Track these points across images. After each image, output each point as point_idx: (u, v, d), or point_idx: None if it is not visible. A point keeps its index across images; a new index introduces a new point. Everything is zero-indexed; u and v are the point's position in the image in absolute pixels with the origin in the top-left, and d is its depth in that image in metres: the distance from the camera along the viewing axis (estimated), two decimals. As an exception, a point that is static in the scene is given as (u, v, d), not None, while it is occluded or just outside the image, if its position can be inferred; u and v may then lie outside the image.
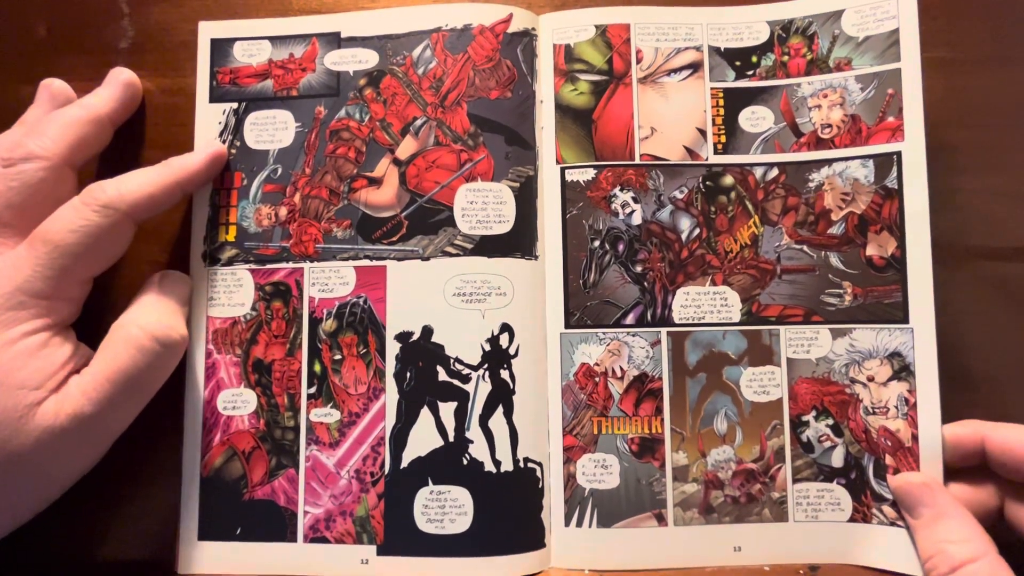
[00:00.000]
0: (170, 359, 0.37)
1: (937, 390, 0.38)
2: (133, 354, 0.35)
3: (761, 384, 0.40)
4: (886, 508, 0.38)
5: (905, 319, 0.39)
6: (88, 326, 0.38)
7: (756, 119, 0.41)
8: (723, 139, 0.42)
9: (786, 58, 0.42)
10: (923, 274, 0.39)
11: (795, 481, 0.39)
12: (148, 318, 0.36)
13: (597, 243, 0.41)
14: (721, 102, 0.42)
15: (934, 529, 0.36)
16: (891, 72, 0.40)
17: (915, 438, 0.38)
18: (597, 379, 0.40)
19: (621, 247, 0.41)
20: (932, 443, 0.38)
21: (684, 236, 0.41)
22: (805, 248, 0.41)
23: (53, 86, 0.41)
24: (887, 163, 0.40)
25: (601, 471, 0.39)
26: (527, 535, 0.39)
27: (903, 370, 0.39)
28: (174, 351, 0.37)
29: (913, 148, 0.39)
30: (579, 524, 0.39)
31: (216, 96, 0.43)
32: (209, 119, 0.42)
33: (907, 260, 0.39)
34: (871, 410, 0.39)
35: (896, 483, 0.38)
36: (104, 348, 0.35)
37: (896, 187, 0.39)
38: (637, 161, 0.41)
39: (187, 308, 0.40)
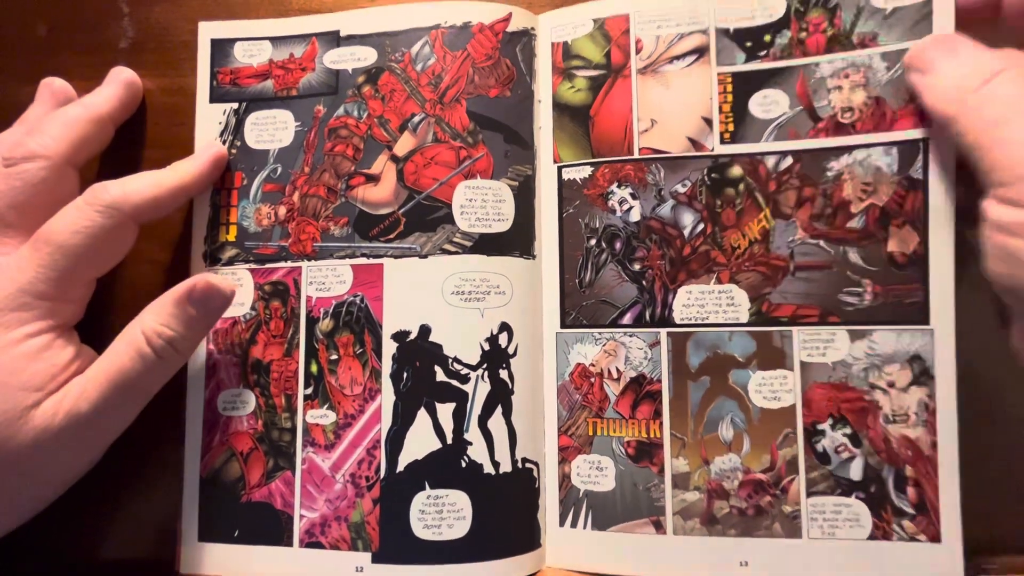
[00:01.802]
0: (169, 368, 0.35)
1: (955, 395, 0.35)
2: (133, 356, 0.33)
3: (772, 389, 0.36)
4: (906, 523, 0.35)
5: (925, 320, 0.35)
6: (89, 326, 0.36)
7: (768, 104, 0.37)
8: (731, 127, 0.37)
9: (804, 35, 0.37)
10: (945, 273, 0.34)
11: (809, 495, 0.36)
12: (152, 324, 0.34)
13: (593, 241, 0.38)
14: (729, 87, 0.38)
15: (954, 62, 0.33)
16: None
17: (934, 446, 0.34)
18: (592, 380, 0.37)
19: (618, 245, 0.38)
20: (950, 450, 0.34)
21: (687, 232, 0.38)
22: (821, 243, 0.36)
23: (54, 85, 0.40)
24: (912, 151, 0.35)
25: (595, 473, 0.37)
26: (524, 536, 0.36)
27: (923, 374, 0.35)
28: (173, 363, 0.35)
29: (942, 135, 0.34)
30: (573, 525, 0.37)
31: (216, 96, 0.41)
32: (209, 119, 0.40)
33: (929, 258, 0.35)
34: (891, 418, 0.35)
35: (907, 56, 0.35)
36: (110, 348, 0.34)
37: (921, 177, 0.35)
38: (636, 156, 0.38)
39: (211, 317, 0.36)
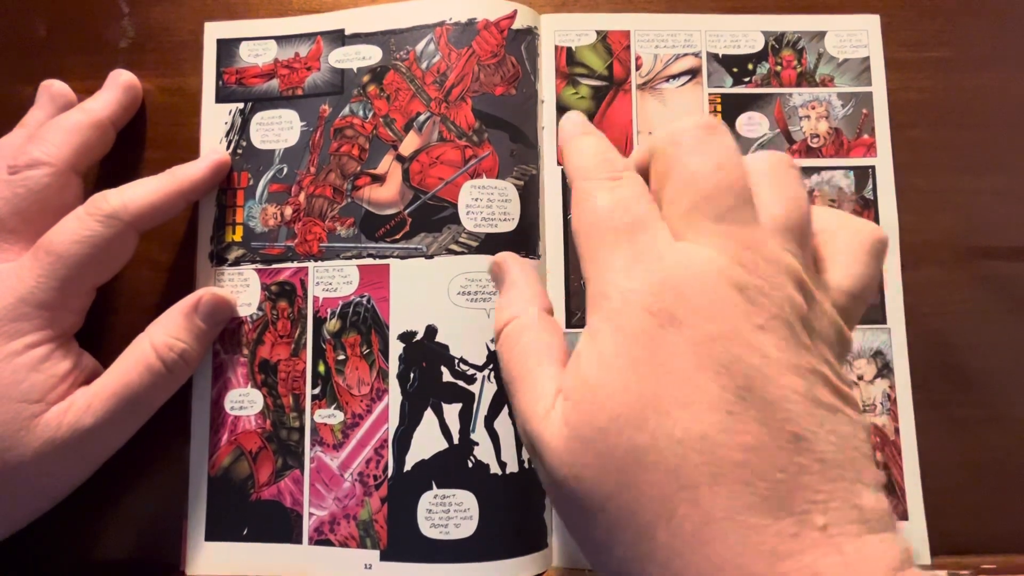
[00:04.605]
0: (177, 380, 0.33)
1: (909, 384, 0.35)
2: (142, 371, 0.31)
3: None
4: None
5: (883, 320, 0.36)
6: (89, 329, 0.33)
7: (752, 124, 0.38)
8: None
9: (779, 68, 0.38)
10: (895, 279, 0.37)
11: None
12: (163, 337, 0.32)
13: (598, 244, 0.34)
14: (719, 107, 0.38)
15: (502, 298, 0.29)
16: (865, 94, 0.38)
17: (897, 431, 0.35)
18: (598, 379, 0.33)
19: (622, 248, 0.34)
20: (910, 435, 0.35)
21: (684, 237, 0.35)
22: (802, 251, 0.36)
23: (53, 87, 0.36)
24: (865, 175, 0.37)
25: (602, 471, 0.33)
26: (531, 536, 0.34)
27: (885, 367, 0.36)
28: (181, 375, 0.33)
29: (884, 165, 0.37)
30: None
31: (222, 96, 0.37)
32: (215, 119, 0.37)
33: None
34: (863, 408, 0.36)
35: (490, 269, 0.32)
36: (118, 361, 0.32)
37: (872, 198, 0.37)
38: None
39: (217, 329, 0.35)
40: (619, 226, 0.23)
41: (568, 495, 0.22)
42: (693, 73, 0.38)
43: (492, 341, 0.34)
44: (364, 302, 0.35)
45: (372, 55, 0.36)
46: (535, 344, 0.26)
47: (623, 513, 0.20)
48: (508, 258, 0.30)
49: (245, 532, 0.34)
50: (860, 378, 0.35)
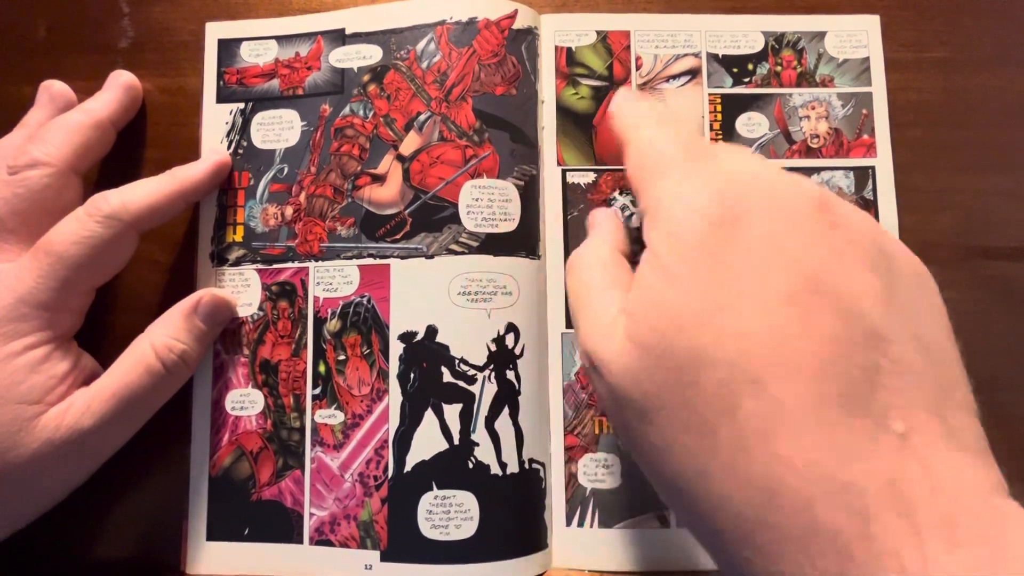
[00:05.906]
0: (176, 381, 0.32)
1: None
2: (141, 372, 0.31)
3: None
4: None
5: None
6: (89, 329, 0.32)
7: (752, 125, 0.37)
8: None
9: (779, 68, 0.37)
10: None
11: None
12: (162, 338, 0.31)
13: (598, 244, 0.34)
14: (719, 108, 0.37)
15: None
16: (865, 94, 0.37)
17: None
18: (599, 379, 0.33)
19: (622, 249, 0.34)
20: None
21: (684, 238, 0.34)
22: (800, 250, 0.35)
23: (53, 88, 0.36)
24: (864, 175, 0.37)
25: (602, 471, 0.34)
26: (531, 537, 0.33)
27: None
28: (181, 376, 0.32)
29: (884, 165, 0.36)
30: (580, 524, 0.34)
31: (223, 96, 0.37)
32: (216, 119, 0.37)
33: None
34: None
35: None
36: (118, 362, 0.31)
37: (872, 198, 0.36)
38: None
39: (216, 329, 0.34)
40: (673, 153, 0.24)
41: (626, 401, 0.21)
42: (693, 73, 0.37)
43: (493, 341, 0.33)
44: (364, 302, 0.34)
45: (372, 54, 0.36)
46: (600, 273, 0.26)
47: (683, 412, 0.19)
48: (599, 212, 0.31)
49: (246, 532, 0.33)
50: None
